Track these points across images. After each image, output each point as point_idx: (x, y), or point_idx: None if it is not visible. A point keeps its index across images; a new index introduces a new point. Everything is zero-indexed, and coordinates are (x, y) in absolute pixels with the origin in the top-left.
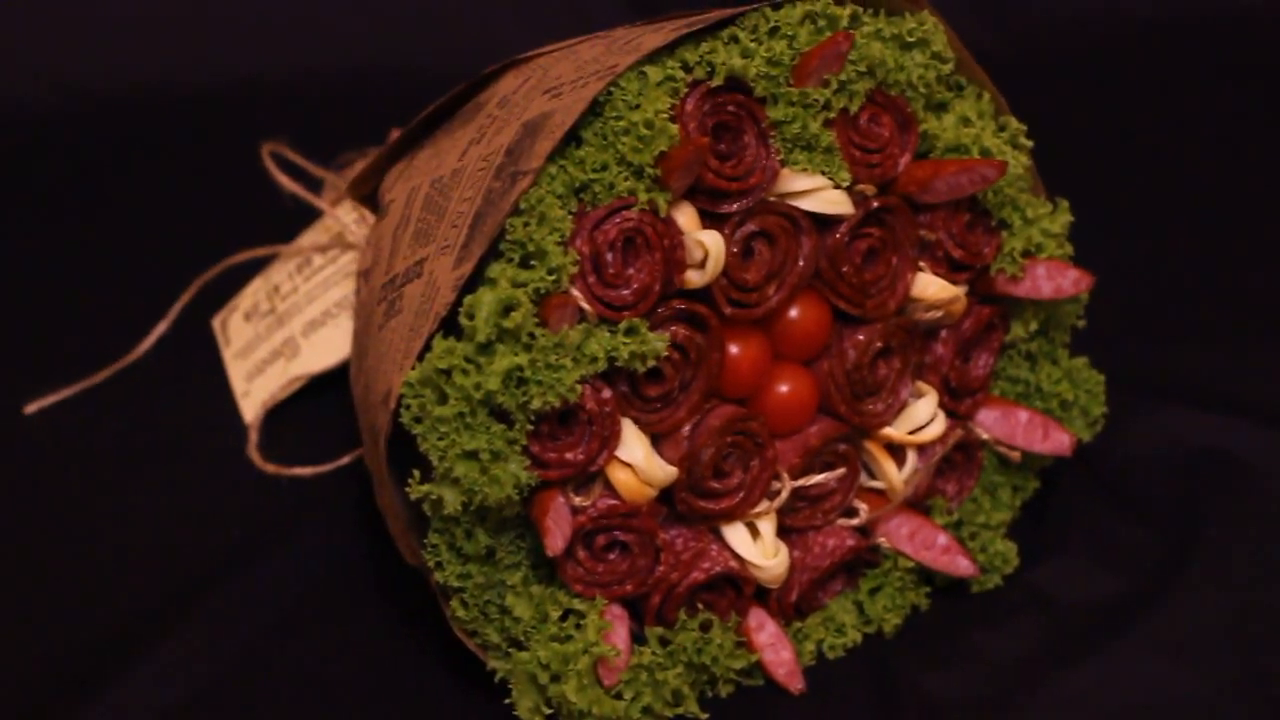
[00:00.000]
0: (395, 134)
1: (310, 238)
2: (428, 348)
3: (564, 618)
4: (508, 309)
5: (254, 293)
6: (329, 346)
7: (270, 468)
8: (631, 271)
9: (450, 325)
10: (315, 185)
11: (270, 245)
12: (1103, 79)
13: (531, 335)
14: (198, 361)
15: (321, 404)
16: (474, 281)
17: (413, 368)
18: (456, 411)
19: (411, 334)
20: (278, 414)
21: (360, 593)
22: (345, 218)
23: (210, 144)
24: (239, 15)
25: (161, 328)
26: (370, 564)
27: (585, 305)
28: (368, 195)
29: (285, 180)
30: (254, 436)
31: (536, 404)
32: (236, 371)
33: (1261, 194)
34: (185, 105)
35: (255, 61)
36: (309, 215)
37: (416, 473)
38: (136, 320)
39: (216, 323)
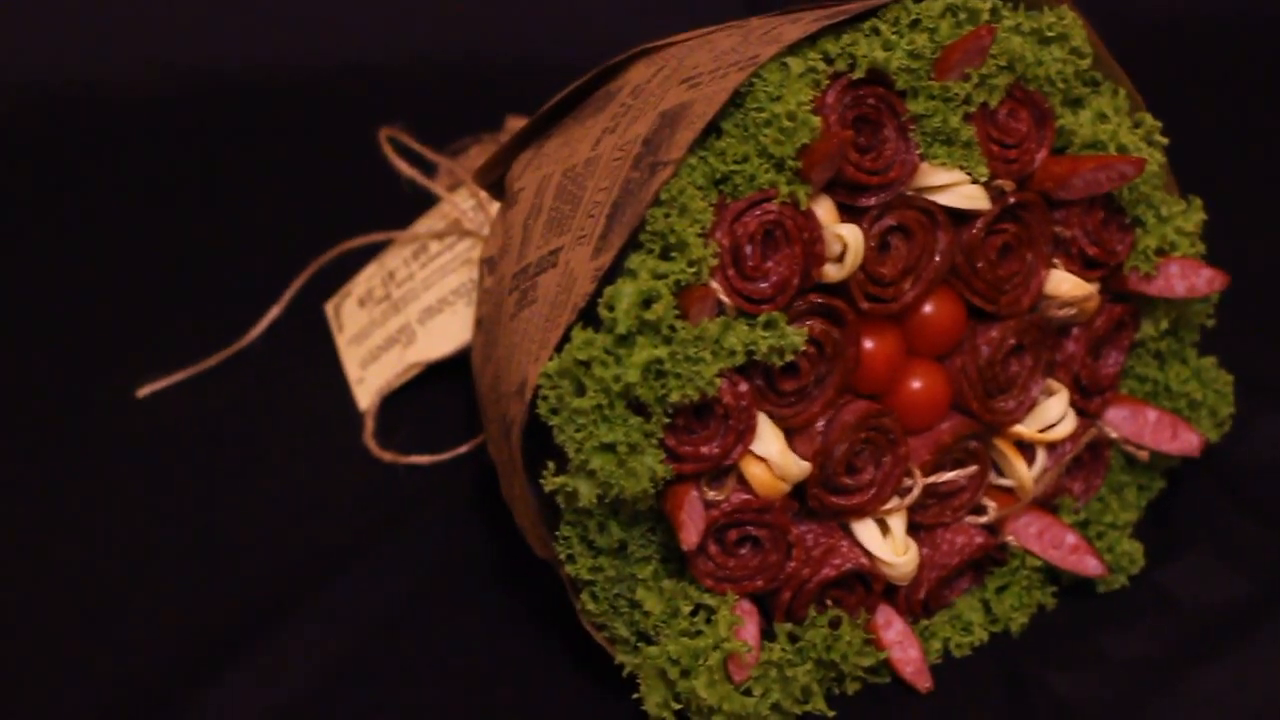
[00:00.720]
0: (512, 121)
1: (426, 224)
2: (566, 339)
3: (694, 613)
4: (648, 301)
5: (369, 278)
6: (446, 334)
7: (387, 456)
8: (770, 264)
9: (587, 316)
10: (430, 170)
11: (385, 231)
12: (1232, 76)
13: (671, 328)
14: (310, 347)
15: (436, 391)
16: (612, 272)
17: (550, 359)
18: (595, 403)
19: (548, 324)
20: (392, 401)
21: (479, 583)
22: (462, 204)
23: (326, 128)
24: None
25: (275, 312)
26: (490, 554)
27: (724, 298)
28: (494, 183)
29: (403, 165)
30: (370, 424)
31: (675, 397)
32: (350, 358)
33: None
34: (302, 89)
35: (372, 46)
36: (424, 201)
37: (551, 464)
38: (250, 304)
39: (330, 308)
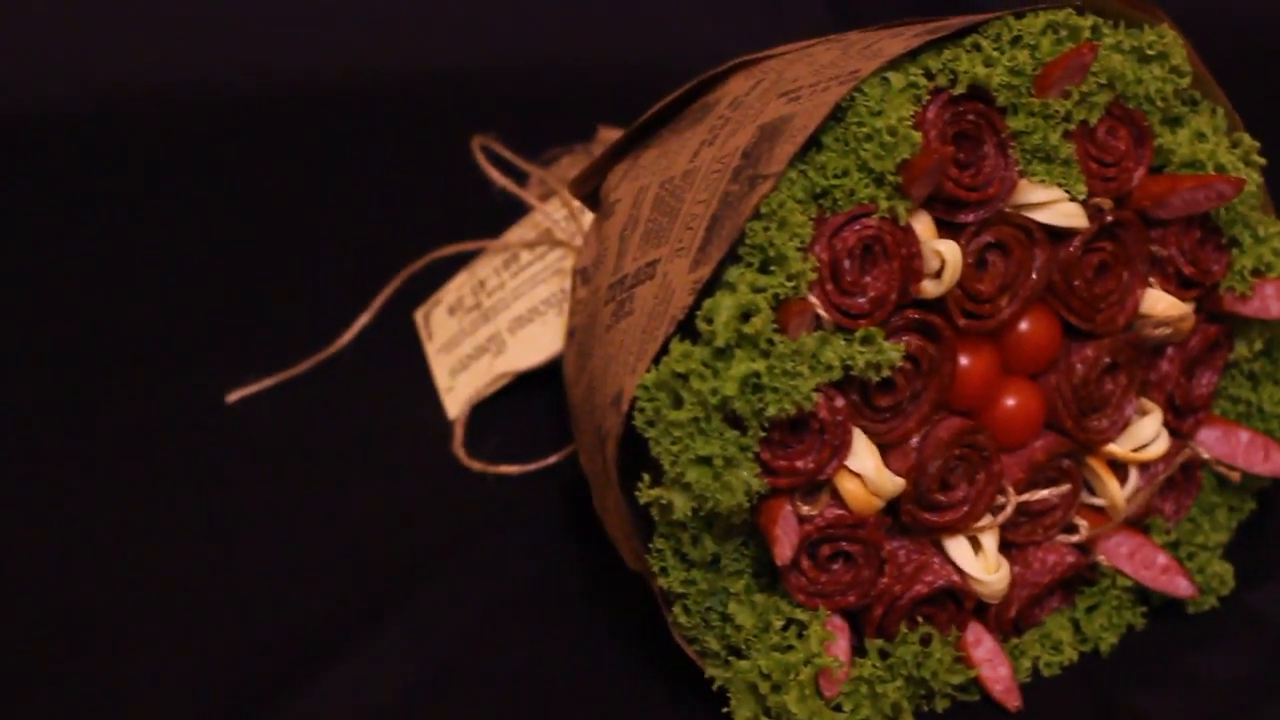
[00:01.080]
0: (605, 132)
1: (518, 233)
2: (663, 351)
3: (786, 627)
4: (747, 314)
5: (459, 287)
6: (536, 344)
7: (476, 465)
8: (869, 279)
9: (685, 328)
10: (522, 180)
11: (477, 240)
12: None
13: (770, 341)
14: (399, 355)
15: (525, 401)
16: (710, 285)
17: (647, 370)
18: (691, 416)
19: (645, 336)
20: (481, 410)
21: (568, 595)
22: (554, 214)
23: (419, 136)
24: (449, 8)
25: (364, 319)
26: (579, 566)
27: (822, 312)
28: (588, 193)
29: (496, 174)
30: (459, 433)
31: (772, 411)
32: (440, 366)
33: None
34: (398, 96)
35: (468, 54)
36: (515, 210)
37: (646, 476)
38: (342, 311)
39: (419, 316)
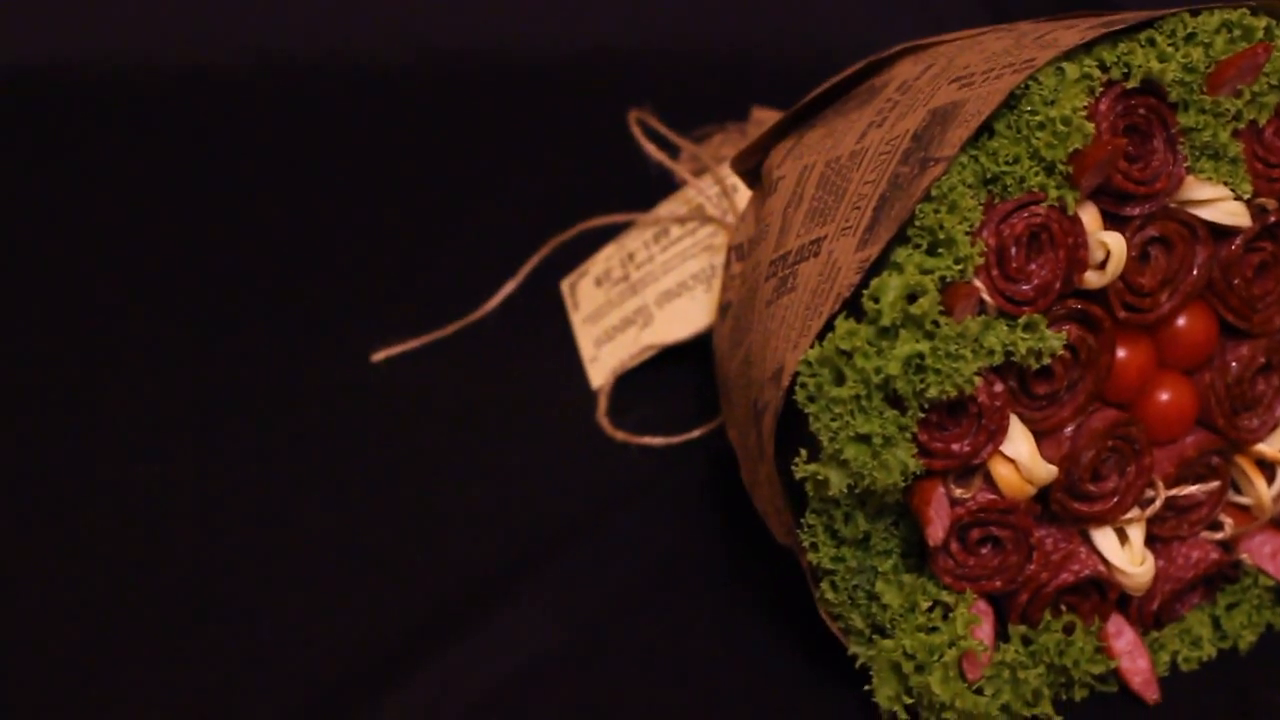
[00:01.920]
0: (759, 112)
1: (668, 208)
2: (827, 328)
3: (932, 609)
4: (914, 295)
5: (606, 259)
6: (683, 318)
7: (620, 435)
8: (1034, 267)
9: (849, 307)
10: (675, 156)
11: (627, 213)
12: None
13: (935, 323)
14: (544, 323)
15: (670, 375)
16: (878, 265)
17: (811, 346)
18: (853, 393)
19: (809, 312)
20: (625, 382)
21: (710, 566)
22: (707, 190)
23: (574, 109)
24: None
25: (510, 287)
26: (721, 538)
27: (987, 297)
28: (749, 170)
29: (650, 148)
30: (603, 402)
31: (933, 392)
32: (585, 336)
33: None
34: (554, 70)
35: (626, 31)
36: (667, 185)
37: (803, 451)
38: (489, 278)
39: (565, 286)
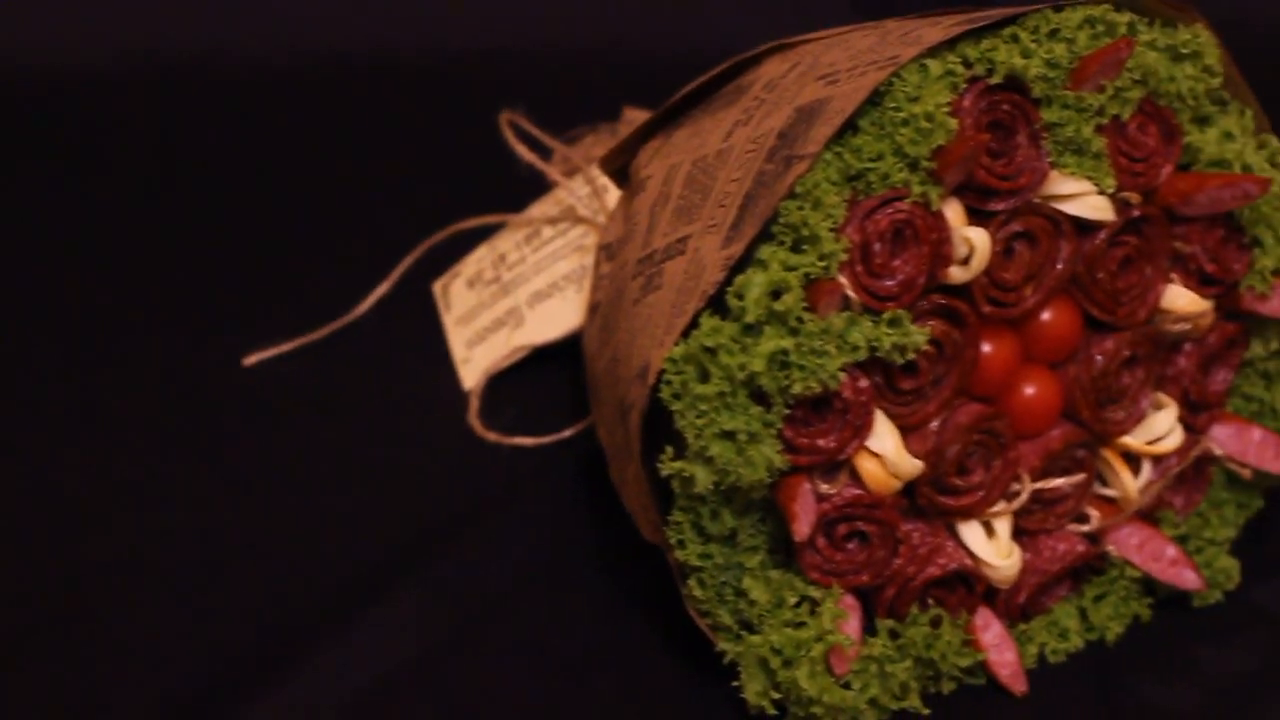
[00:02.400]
0: (630, 112)
1: (540, 209)
2: (692, 325)
3: (799, 604)
4: (778, 292)
5: (478, 260)
6: (555, 318)
7: (491, 436)
8: (898, 263)
9: (714, 304)
10: (546, 157)
11: (499, 214)
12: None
13: (799, 320)
14: (417, 325)
15: (541, 375)
16: (743, 262)
17: (676, 344)
18: (718, 390)
19: (674, 310)
20: (497, 383)
21: (581, 566)
22: (578, 190)
23: (445, 111)
24: None
25: (383, 289)
26: (592, 538)
27: (851, 293)
28: (617, 170)
29: (522, 150)
30: (475, 404)
31: (798, 388)
32: (457, 337)
33: None
34: (422, 71)
35: (494, 33)
36: (538, 186)
37: (669, 449)
38: (362, 280)
39: (438, 287)
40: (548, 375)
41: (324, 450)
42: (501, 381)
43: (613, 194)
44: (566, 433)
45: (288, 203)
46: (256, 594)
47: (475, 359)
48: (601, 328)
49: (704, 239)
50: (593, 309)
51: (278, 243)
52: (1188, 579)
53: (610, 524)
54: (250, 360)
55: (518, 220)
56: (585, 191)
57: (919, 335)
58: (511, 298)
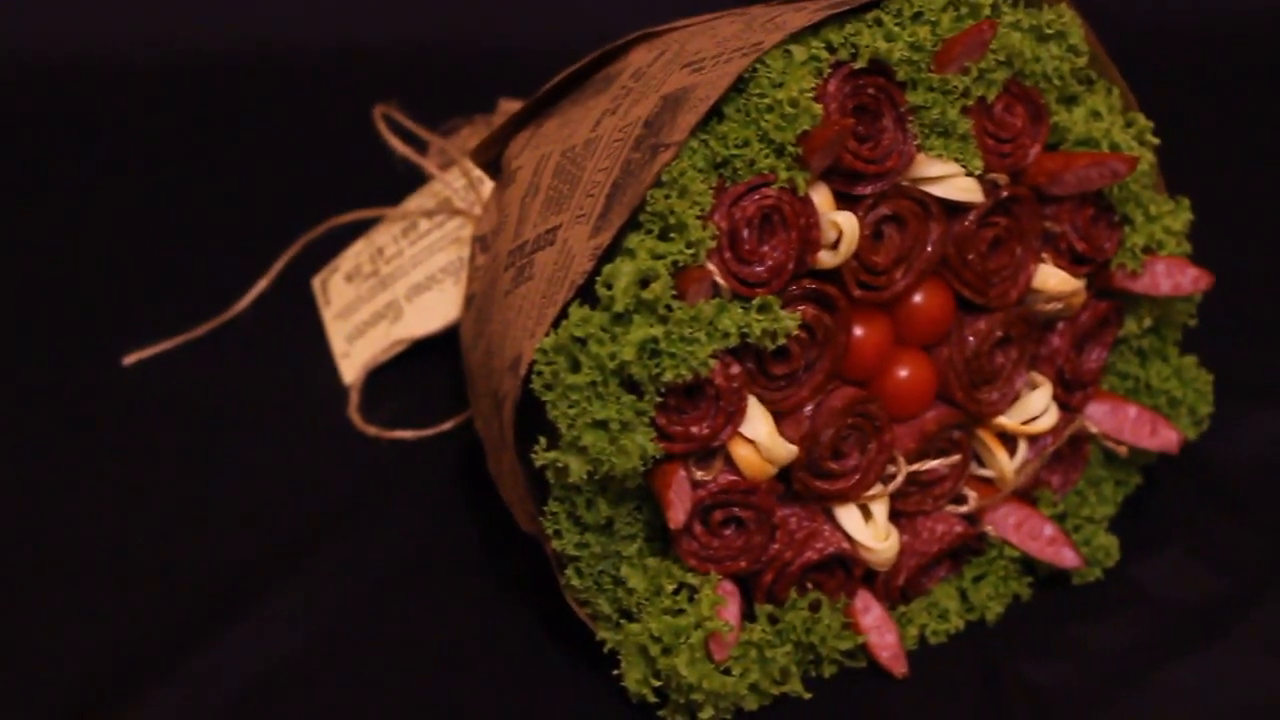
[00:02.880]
0: (505, 103)
1: (417, 202)
2: (562, 315)
3: (677, 591)
4: (646, 280)
5: (356, 254)
6: (433, 311)
7: (371, 430)
8: (767, 249)
9: (584, 294)
10: (423, 149)
11: (376, 208)
12: (1225, 79)
13: (668, 308)
14: (296, 320)
15: (422, 368)
16: (610, 251)
17: (546, 335)
18: (589, 380)
19: (545, 301)
20: (377, 376)
21: (462, 558)
22: (454, 183)
23: (320, 106)
24: None
25: (262, 285)
26: (472, 529)
27: (720, 280)
28: (489, 161)
29: (397, 143)
30: (355, 398)
31: (669, 376)
32: (336, 332)
33: None
34: (299, 67)
35: (368, 26)
36: (414, 179)
37: (543, 439)
38: (239, 277)
39: (317, 283)
40: (428, 368)
41: (203, 447)
42: (382, 375)
43: (489, 186)
44: (446, 425)
45: (165, 201)
46: (135, 593)
47: (355, 353)
48: (476, 319)
49: (573, 229)
50: (468, 301)
51: (156, 241)
52: (1066, 557)
53: (490, 515)
54: (130, 359)
55: (395, 214)
56: (461, 184)
57: (789, 320)
58: (390, 291)
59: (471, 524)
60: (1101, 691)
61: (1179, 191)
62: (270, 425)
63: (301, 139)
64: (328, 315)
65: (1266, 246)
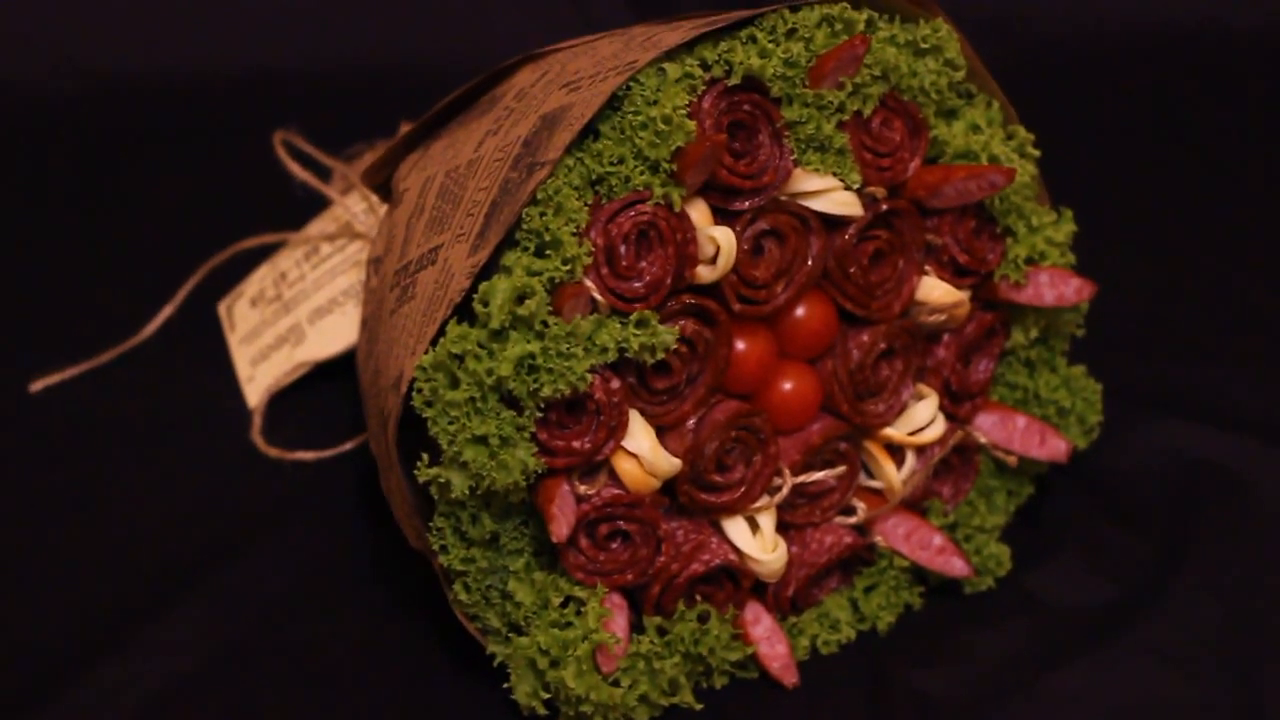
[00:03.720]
0: (406, 126)
1: (318, 226)
2: (441, 333)
3: (565, 604)
4: (522, 297)
5: (260, 279)
6: (335, 334)
7: (273, 452)
8: (644, 264)
9: (464, 312)
10: (325, 174)
11: (279, 233)
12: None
13: (544, 323)
14: (203, 346)
15: (325, 391)
16: (489, 269)
17: (426, 352)
18: (468, 396)
19: (425, 319)
20: (281, 400)
21: (360, 576)
22: (354, 207)
23: (222, 131)
24: (254, 7)
25: (167, 311)
26: (371, 548)
27: (598, 296)
28: (381, 184)
29: (296, 168)
30: (258, 421)
31: (547, 391)
32: (241, 356)
33: (1262, 208)
34: (199, 92)
35: (270, 53)
36: (318, 204)
37: (425, 456)
38: (146, 303)
39: (222, 308)
40: (331, 390)
41: (108, 472)
42: (286, 398)
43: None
44: (346, 446)
45: (71, 227)
46: (34, 614)
47: (259, 377)
48: (368, 340)
49: (453, 248)
50: (363, 323)
51: (62, 268)
52: (955, 566)
53: (387, 532)
54: (37, 386)
55: (297, 238)
56: (361, 208)
57: (668, 335)
58: (292, 315)
59: (369, 542)
60: (988, 698)
61: (1069, 203)
62: (174, 450)
63: (209, 164)
64: (233, 340)
65: (1158, 258)
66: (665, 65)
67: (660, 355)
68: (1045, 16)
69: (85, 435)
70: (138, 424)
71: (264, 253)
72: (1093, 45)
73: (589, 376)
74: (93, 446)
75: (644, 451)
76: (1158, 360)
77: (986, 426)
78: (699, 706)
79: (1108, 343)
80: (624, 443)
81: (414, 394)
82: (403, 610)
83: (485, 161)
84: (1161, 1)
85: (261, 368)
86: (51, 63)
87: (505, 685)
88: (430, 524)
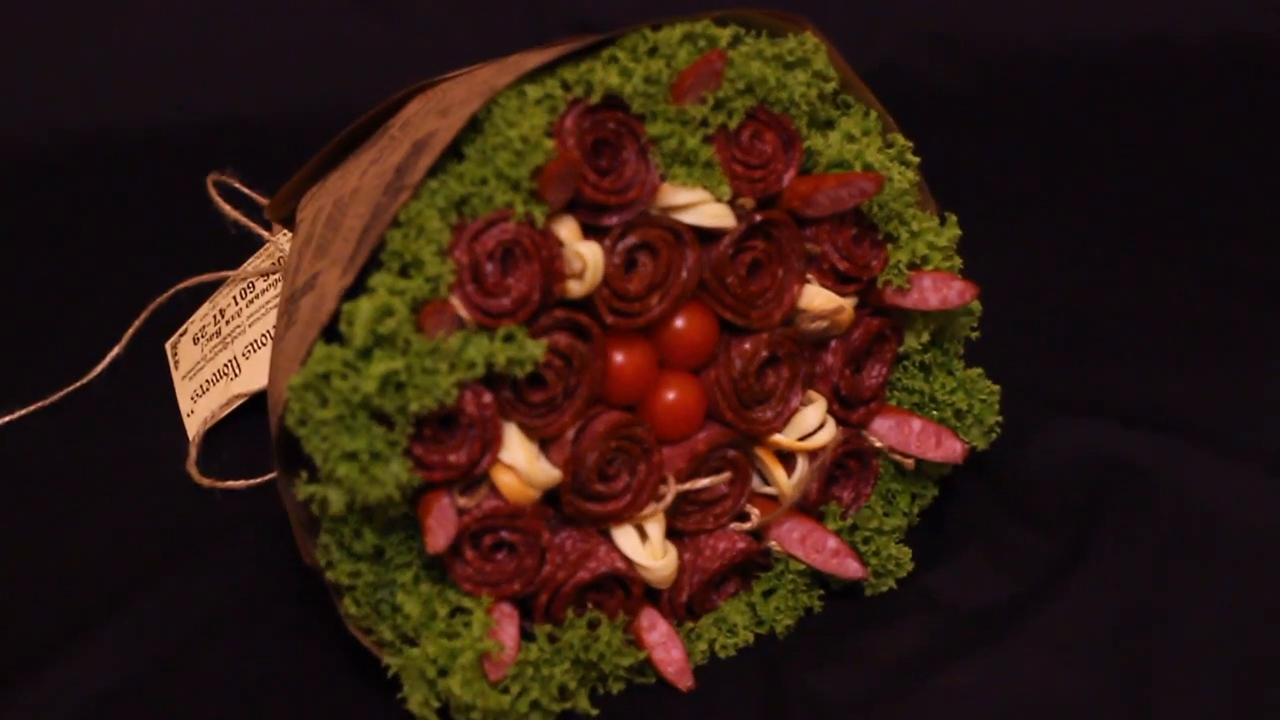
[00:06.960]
0: None
1: (255, 263)
2: (310, 354)
3: (452, 615)
4: (384, 315)
5: (202, 317)
6: (267, 366)
7: (206, 481)
8: (510, 281)
9: (333, 333)
10: (258, 214)
11: (220, 271)
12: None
13: (407, 341)
14: (151, 384)
15: (260, 422)
16: (356, 291)
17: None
18: (337, 414)
19: (301, 342)
20: (221, 431)
21: (278, 598)
22: (283, 243)
23: (167, 178)
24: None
25: (115, 351)
26: (292, 571)
27: (464, 313)
28: (287, 217)
29: (227, 208)
30: (193, 452)
31: (414, 407)
32: (183, 392)
33: (1163, 211)
34: (140, 142)
35: (206, 102)
36: (260, 242)
37: (304, 473)
38: (96, 345)
39: (169, 346)
40: (264, 421)
41: (49, 506)
42: (222, 429)
43: None
44: (274, 474)
45: (13, 274)
46: None
47: (198, 410)
48: (270, 369)
49: (329, 273)
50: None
51: (7, 312)
52: (850, 568)
53: None
54: None
55: (235, 276)
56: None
57: (535, 349)
58: (229, 350)
59: (290, 565)
60: (882, 698)
61: (968, 210)
62: (114, 483)
63: (153, 210)
64: (177, 377)
65: (1068, 262)
66: (526, 87)
67: (530, 369)
68: (992, 32)
69: (31, 473)
70: (81, 461)
71: (208, 291)
72: (1038, 58)
73: (455, 391)
74: (37, 483)
75: (520, 464)
76: (1065, 363)
77: (883, 431)
78: (594, 712)
79: (1019, 344)
80: (501, 455)
81: (287, 414)
82: (314, 628)
83: (365, 190)
84: (1111, 15)
85: (201, 402)
86: (4, 107)
87: (401, 695)
88: (317, 540)
